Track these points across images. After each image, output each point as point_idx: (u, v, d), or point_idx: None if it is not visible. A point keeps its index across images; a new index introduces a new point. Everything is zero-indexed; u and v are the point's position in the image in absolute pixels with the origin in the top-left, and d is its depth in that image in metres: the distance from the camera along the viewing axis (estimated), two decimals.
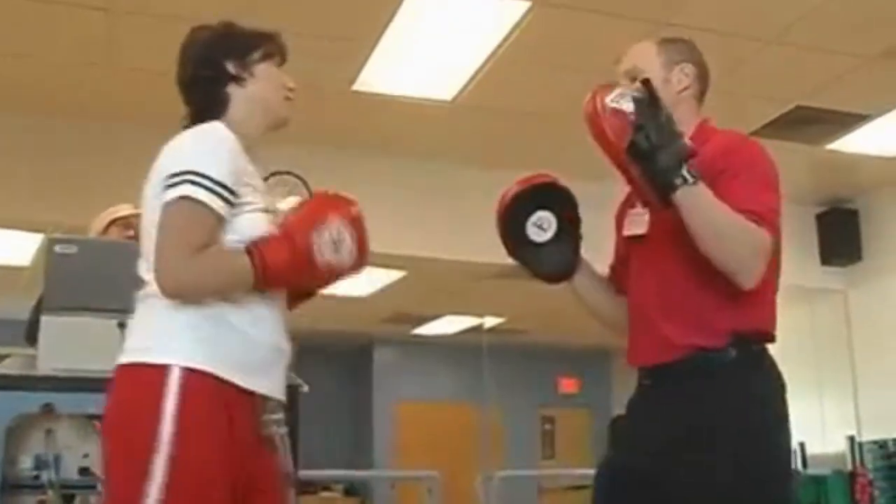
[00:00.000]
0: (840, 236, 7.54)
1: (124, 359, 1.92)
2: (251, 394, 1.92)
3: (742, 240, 2.02)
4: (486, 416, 11.70)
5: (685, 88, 2.27)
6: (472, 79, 5.44)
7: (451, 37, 5.03)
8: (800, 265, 7.64)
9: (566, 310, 10.15)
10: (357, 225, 2.01)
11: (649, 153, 1.97)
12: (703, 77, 2.31)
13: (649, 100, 2.01)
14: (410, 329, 11.60)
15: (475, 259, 7.06)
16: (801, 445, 7.44)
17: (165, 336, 1.89)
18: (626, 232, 2.28)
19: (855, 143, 6.38)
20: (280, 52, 2.16)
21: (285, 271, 1.92)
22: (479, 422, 11.79)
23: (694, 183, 1.97)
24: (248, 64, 2.09)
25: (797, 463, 7.38)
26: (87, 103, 5.75)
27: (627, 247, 2.30)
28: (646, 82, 2.04)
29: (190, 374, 1.84)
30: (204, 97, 2.08)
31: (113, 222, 3.71)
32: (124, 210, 3.76)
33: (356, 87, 5.51)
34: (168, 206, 1.87)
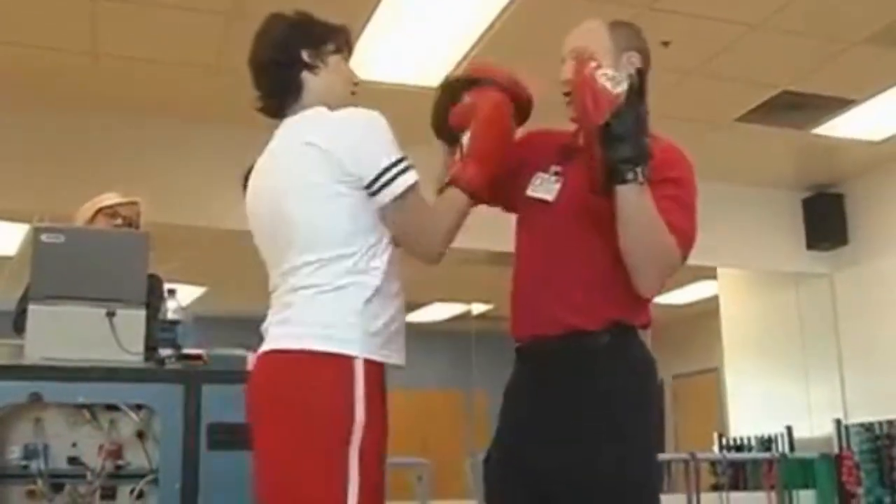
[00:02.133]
0: (826, 221, 7.57)
1: (302, 344, 1.96)
2: (392, 365, 2.06)
3: (660, 254, 2.02)
4: (474, 402, 11.72)
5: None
6: (458, 65, 5.43)
7: (438, 23, 5.02)
8: (786, 250, 7.68)
9: None
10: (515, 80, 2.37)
11: (618, 140, 1.96)
12: (646, 67, 2.26)
13: (639, 90, 2.02)
14: None
15: (463, 245, 7.05)
16: (789, 429, 7.49)
17: (345, 326, 1.97)
18: (532, 193, 2.26)
19: (841, 127, 6.40)
20: (349, 46, 2.28)
21: (478, 171, 2.19)
22: (467, 408, 11.81)
23: (642, 183, 1.97)
24: (322, 54, 2.19)
25: (785, 446, 7.43)
26: (73, 92, 5.71)
27: (526, 206, 2.29)
28: (640, 73, 2.07)
29: (369, 364, 1.96)
30: (278, 81, 2.15)
31: (100, 211, 3.70)
32: (111, 199, 3.75)
33: None
34: (410, 194, 2.05)
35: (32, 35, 5.07)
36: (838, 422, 7.30)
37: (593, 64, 2.04)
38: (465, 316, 11.31)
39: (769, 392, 8.06)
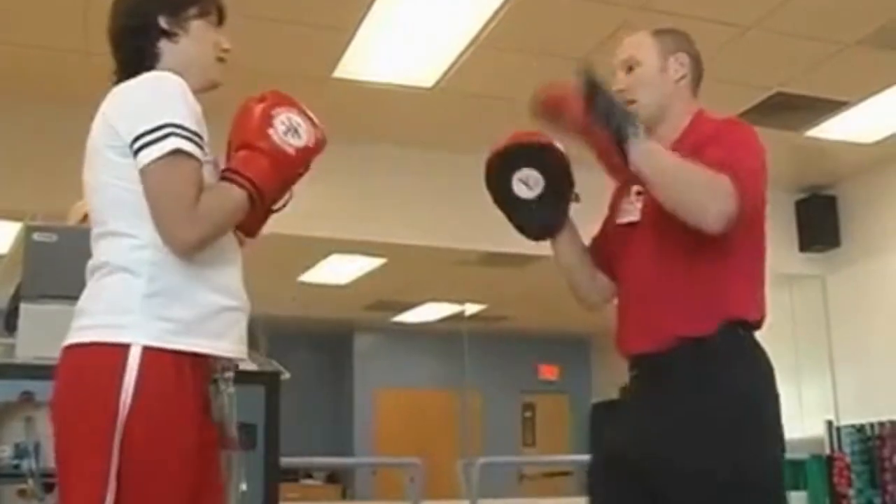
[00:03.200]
0: (819, 222, 7.59)
1: (76, 338, 1.86)
2: (206, 357, 1.89)
3: (698, 183, 2.04)
4: (466, 402, 11.72)
5: (682, 77, 2.33)
6: (452, 65, 5.44)
7: (432, 23, 5.02)
8: (779, 251, 7.64)
9: (547, 297, 10.20)
10: (296, 105, 2.01)
11: (603, 115, 2.09)
12: (697, 66, 2.38)
13: (587, 80, 2.11)
14: (391, 316, 11.60)
15: (456, 246, 7.07)
16: None
17: (121, 312, 1.82)
18: (620, 220, 2.33)
19: (834, 129, 6.42)
20: (218, 10, 2.10)
21: (272, 176, 1.91)
22: (459, 408, 11.82)
23: (644, 138, 2.07)
24: (181, 20, 2.03)
25: None
26: (65, 88, 5.70)
27: (620, 235, 2.33)
28: (585, 69, 2.13)
29: (150, 352, 1.79)
30: (133, 50, 2.03)
31: None
32: None
33: (336, 73, 5.49)
34: (158, 163, 1.80)
35: (25, 34, 5.06)
36: (830, 423, 7.31)
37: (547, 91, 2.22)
38: (458, 316, 11.32)
39: None
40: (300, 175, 2.02)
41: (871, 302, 7.20)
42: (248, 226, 2.02)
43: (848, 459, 7.08)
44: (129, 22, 2.05)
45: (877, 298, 7.15)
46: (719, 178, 2.03)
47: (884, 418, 6.87)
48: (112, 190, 1.88)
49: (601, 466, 2.25)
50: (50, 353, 2.72)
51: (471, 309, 11.19)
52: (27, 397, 2.65)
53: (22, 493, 2.67)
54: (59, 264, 2.87)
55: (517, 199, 2.39)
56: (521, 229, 2.46)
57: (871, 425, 6.99)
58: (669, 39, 2.37)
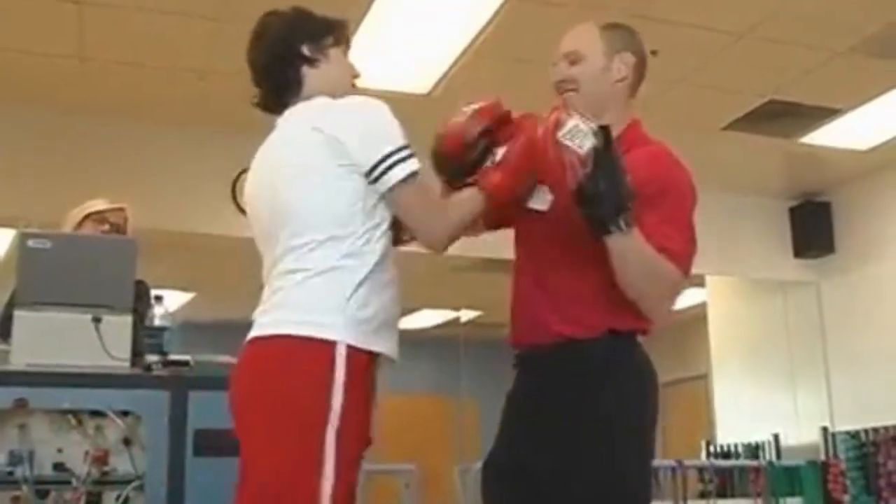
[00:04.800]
0: (812, 229, 7.60)
1: (274, 329, 1.97)
2: (381, 355, 2.04)
3: (661, 285, 2.04)
4: (462, 408, 11.71)
5: (623, 79, 2.23)
6: (448, 72, 5.44)
7: (427, 30, 5.02)
8: (773, 258, 7.70)
9: None
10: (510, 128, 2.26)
11: (594, 201, 1.93)
12: (641, 67, 2.26)
13: (605, 147, 1.94)
14: None
15: (452, 252, 7.06)
16: (775, 436, 7.51)
17: (329, 311, 1.96)
18: (530, 203, 2.20)
19: (827, 136, 6.43)
20: (347, 39, 2.31)
21: (508, 185, 2.12)
22: (455, 414, 11.80)
23: (627, 231, 1.95)
24: (321, 47, 2.21)
25: (772, 454, 7.44)
26: (60, 96, 5.70)
27: (523, 215, 2.23)
28: (604, 128, 1.97)
29: (352, 350, 1.94)
30: (280, 78, 2.17)
31: (87, 217, 3.68)
32: (99, 205, 3.73)
33: None
34: (410, 180, 2.03)
35: (19, 39, 5.05)
36: (825, 429, 7.32)
37: (557, 128, 1.98)
38: (453, 323, 11.31)
39: (756, 400, 8.08)
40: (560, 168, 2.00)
41: (865, 308, 7.20)
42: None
43: (843, 466, 7.08)
44: (275, 51, 2.18)
45: (871, 304, 7.15)
46: (675, 279, 2.05)
47: (879, 424, 6.87)
48: (335, 203, 2.02)
49: (492, 472, 2.24)
50: (44, 359, 2.73)
51: (466, 315, 11.18)
52: (21, 404, 2.65)
53: (16, 500, 2.66)
54: (53, 271, 2.87)
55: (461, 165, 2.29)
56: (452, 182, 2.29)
57: (866, 431, 6.99)
58: (617, 37, 2.29)
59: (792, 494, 7.01)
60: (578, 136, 1.96)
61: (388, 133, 2.08)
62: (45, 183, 5.65)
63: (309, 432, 1.89)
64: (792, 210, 7.73)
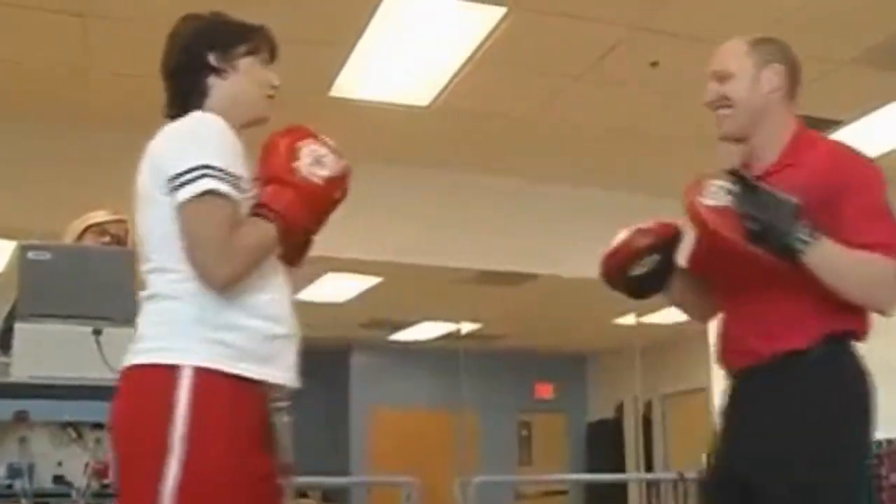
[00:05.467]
0: None
1: (134, 360, 1.91)
2: (261, 383, 1.92)
3: (874, 280, 2.08)
4: (463, 421, 11.69)
5: (775, 89, 2.29)
6: (448, 84, 5.45)
7: (428, 42, 5.03)
8: None
9: (542, 315, 10.12)
10: (319, 137, 2.06)
11: (764, 234, 2.02)
12: (794, 76, 2.34)
13: (743, 188, 2.07)
14: (387, 335, 11.59)
15: (452, 265, 7.06)
16: None
17: (176, 335, 1.88)
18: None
19: None
20: (268, 48, 2.16)
21: (300, 208, 1.95)
22: (456, 427, 11.79)
23: (813, 241, 2.01)
24: (230, 57, 2.07)
25: None
26: (62, 108, 5.71)
27: (717, 248, 2.22)
28: (733, 173, 2.10)
29: (202, 373, 1.83)
30: (183, 86, 2.07)
31: (88, 228, 3.68)
32: (100, 216, 3.73)
33: (333, 92, 5.50)
34: (191, 203, 1.85)
35: (22, 50, 5.06)
36: None
37: (695, 201, 2.09)
38: (453, 335, 11.31)
39: None
40: (336, 202, 2.07)
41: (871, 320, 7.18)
42: (289, 256, 2.07)
43: None
44: (180, 58, 2.08)
45: (874, 317, 7.13)
46: (884, 267, 2.07)
47: (882, 437, 6.85)
48: (157, 226, 1.93)
49: (712, 485, 2.32)
50: (44, 371, 2.72)
51: (466, 328, 11.18)
52: (21, 417, 2.64)
53: None
54: (53, 283, 2.87)
55: (630, 277, 2.39)
56: (631, 297, 2.45)
57: None
58: (764, 49, 2.34)
59: None
60: (718, 194, 2.09)
61: (196, 149, 1.90)
62: (47, 194, 5.66)
63: (150, 462, 1.80)
64: None
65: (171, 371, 1.83)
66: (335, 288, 8.63)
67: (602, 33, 4.87)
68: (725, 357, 2.31)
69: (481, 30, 4.87)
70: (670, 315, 9.25)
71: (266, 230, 1.92)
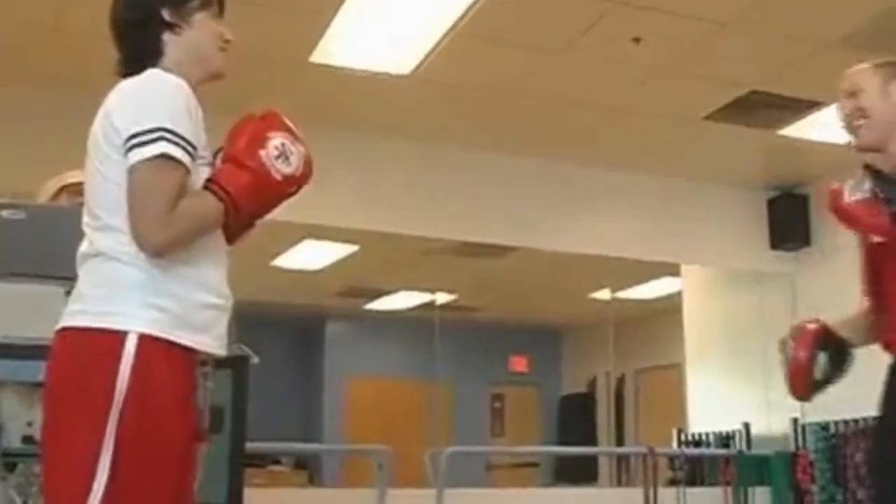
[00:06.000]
0: (790, 221, 7.64)
1: (75, 321, 1.90)
2: (193, 351, 1.94)
3: None
4: (436, 392, 11.73)
5: None
6: (430, 52, 5.42)
7: (411, 9, 5.00)
8: (750, 249, 7.75)
9: (518, 288, 10.17)
10: (293, 133, 2.06)
11: None
12: None
13: (876, 175, 2.35)
14: (363, 304, 11.59)
15: (429, 234, 7.06)
16: (746, 426, 7.57)
17: (120, 300, 1.88)
18: (875, 239, 2.58)
19: (807, 129, 6.46)
20: (218, 2, 2.14)
21: (251, 195, 1.97)
22: (429, 398, 11.83)
23: None
24: (184, 12, 2.06)
25: (742, 443, 7.50)
26: (33, 68, 5.64)
27: (874, 250, 2.63)
28: (866, 167, 2.40)
29: (144, 338, 1.85)
30: (137, 44, 2.05)
31: (63, 188, 3.65)
32: (75, 177, 3.69)
33: (314, 58, 5.46)
34: (143, 164, 1.85)
35: None
36: (795, 420, 7.38)
37: (838, 199, 2.44)
38: (429, 305, 11.32)
39: (729, 389, 8.14)
40: (285, 197, 2.07)
41: (839, 301, 7.15)
42: (228, 235, 2.07)
43: (812, 457, 7.15)
44: (132, 15, 2.06)
45: (845, 298, 7.13)
46: None
47: (848, 417, 6.94)
48: (109, 185, 1.92)
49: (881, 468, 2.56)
50: (18, 331, 2.71)
51: (442, 298, 11.19)
52: None
53: None
54: (27, 242, 2.85)
55: (818, 382, 2.83)
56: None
57: (836, 423, 7.06)
58: (887, 68, 2.62)
59: (761, 484, 7.08)
60: (857, 188, 2.40)
61: (153, 110, 1.89)
62: (20, 154, 5.60)
63: (91, 425, 1.81)
64: (770, 202, 7.77)
65: (115, 336, 1.84)
66: (311, 255, 8.61)
67: (585, 6, 4.86)
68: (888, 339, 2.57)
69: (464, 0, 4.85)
70: (645, 291, 9.30)
71: (211, 206, 1.93)
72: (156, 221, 1.85)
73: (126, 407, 1.81)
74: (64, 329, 1.92)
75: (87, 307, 1.91)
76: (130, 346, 1.83)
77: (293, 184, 2.04)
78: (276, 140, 2.00)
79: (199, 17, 2.07)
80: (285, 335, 11.83)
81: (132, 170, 1.86)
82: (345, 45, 5.33)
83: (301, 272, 8.98)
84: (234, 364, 2.69)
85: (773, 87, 5.87)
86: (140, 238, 1.86)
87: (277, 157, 1.99)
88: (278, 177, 1.99)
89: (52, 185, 3.66)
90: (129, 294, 1.88)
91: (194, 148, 1.91)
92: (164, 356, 1.87)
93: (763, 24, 5.10)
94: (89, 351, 1.87)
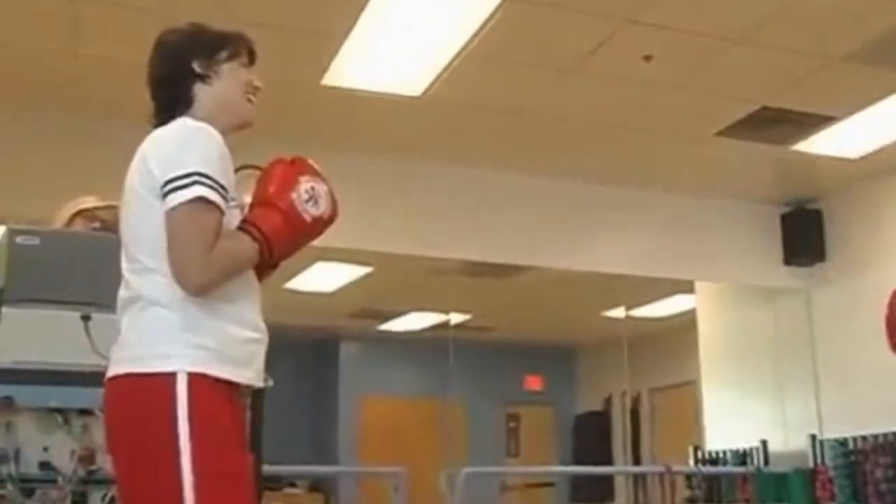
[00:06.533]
0: (804, 237, 7.61)
1: (126, 368, 1.96)
2: (237, 385, 2.01)
3: None
4: (451, 412, 11.70)
5: None
6: (441, 74, 5.44)
7: (422, 31, 5.02)
8: (763, 265, 7.72)
9: (532, 307, 10.19)
10: (320, 176, 2.16)
11: None
12: None
13: None
14: (377, 325, 11.58)
15: (442, 255, 7.06)
16: (764, 443, 7.52)
17: (166, 342, 1.94)
18: None
19: (819, 144, 6.45)
20: (248, 51, 2.22)
21: (284, 236, 2.06)
22: (444, 418, 11.79)
23: None
24: (214, 63, 2.15)
25: (760, 460, 7.45)
26: (52, 92, 5.68)
27: None
28: None
29: (193, 377, 1.91)
30: (170, 95, 2.14)
31: (77, 214, 3.66)
32: (89, 202, 3.71)
33: (325, 81, 5.48)
34: (182, 207, 1.93)
35: (10, 33, 5.03)
36: (813, 437, 7.33)
37: None
38: (443, 326, 11.30)
39: (745, 406, 8.09)
40: (313, 238, 2.17)
41: (855, 316, 7.22)
42: (256, 274, 2.15)
43: (831, 473, 7.09)
44: (165, 68, 2.17)
45: (861, 313, 7.17)
46: None
47: (867, 433, 6.89)
48: (147, 229, 1.99)
49: None
50: (32, 357, 2.71)
51: (456, 318, 11.18)
52: (7, 402, 2.63)
53: (1, 498, 2.65)
54: (42, 268, 2.86)
55: None
56: None
57: (855, 439, 7.01)
58: None
59: (780, 501, 7.02)
60: None
61: (187, 156, 1.97)
62: (36, 180, 5.63)
63: (163, 464, 1.88)
64: (783, 217, 7.75)
65: (166, 378, 1.90)
66: (324, 277, 8.62)
67: (595, 26, 4.86)
68: None
69: (476, 20, 4.86)
70: (659, 308, 9.26)
71: (247, 247, 2.01)
72: (196, 261, 1.93)
73: (193, 443, 1.87)
74: (115, 378, 1.98)
75: (133, 353, 1.97)
76: (181, 385, 1.90)
77: (322, 225, 2.14)
78: (306, 184, 2.10)
79: (228, 68, 2.17)
80: (299, 357, 11.83)
81: (171, 213, 1.94)
82: (357, 68, 5.35)
83: (314, 294, 8.98)
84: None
85: (785, 102, 5.86)
86: (181, 278, 1.93)
87: (307, 201, 2.09)
88: (308, 219, 2.09)
89: (67, 210, 3.67)
90: (172, 336, 1.94)
91: (226, 190, 1.99)
92: (214, 392, 1.94)
93: (773, 40, 5.10)
94: (144, 396, 1.92)
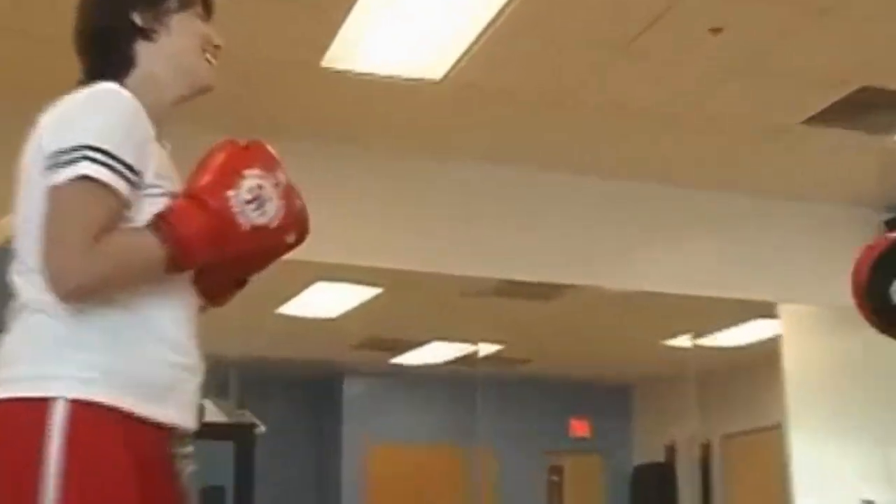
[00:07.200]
0: None
1: (1, 391, 1.85)
2: (157, 424, 1.88)
3: None
4: (479, 463, 11.70)
5: None
6: (461, 57, 5.45)
7: (441, 12, 5.04)
8: None
9: (578, 335, 10.16)
10: (277, 172, 1.98)
11: None
12: None
13: None
14: (388, 358, 11.60)
15: (469, 273, 7.07)
16: None
17: (47, 361, 1.83)
18: None
19: None
20: (203, 1, 2.12)
21: (203, 242, 1.87)
22: (470, 471, 11.79)
23: None
24: (160, 14, 2.04)
25: None
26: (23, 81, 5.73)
27: None
28: None
29: (79, 406, 1.79)
30: (103, 54, 2.04)
31: None
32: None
33: (325, 62, 5.51)
34: (59, 189, 1.81)
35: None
36: None
37: None
38: (469, 358, 11.31)
39: (842, 455, 8.05)
40: (257, 257, 2.03)
41: None
42: (202, 290, 2.04)
43: None
44: (96, 20, 2.05)
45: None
46: None
47: None
48: (32, 217, 1.87)
49: None
50: None
51: (485, 349, 11.19)
52: None
53: None
54: None
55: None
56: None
57: None
58: None
59: None
60: None
61: (81, 124, 1.85)
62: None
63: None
64: (887, 223, 7.71)
65: (39, 405, 1.78)
66: (325, 300, 8.65)
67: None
68: None
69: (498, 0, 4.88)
70: (734, 336, 9.23)
71: (149, 246, 1.85)
72: (71, 257, 1.78)
73: (62, 492, 1.74)
74: None
75: (9, 373, 1.86)
76: (59, 415, 1.77)
77: (268, 237, 1.95)
78: (252, 180, 1.92)
79: (179, 20, 2.05)
80: (295, 396, 11.88)
81: (49, 194, 1.82)
82: (362, 46, 5.37)
83: (313, 321, 9.01)
84: (236, 434, 2.74)
85: (888, 82, 5.84)
86: (52, 277, 1.79)
87: (249, 202, 1.90)
88: (245, 226, 1.90)
89: (6, 224, 3.71)
90: (57, 352, 1.83)
91: (135, 172, 1.85)
92: (102, 424, 1.81)
93: (871, 7, 5.08)
94: (11, 426, 1.82)
